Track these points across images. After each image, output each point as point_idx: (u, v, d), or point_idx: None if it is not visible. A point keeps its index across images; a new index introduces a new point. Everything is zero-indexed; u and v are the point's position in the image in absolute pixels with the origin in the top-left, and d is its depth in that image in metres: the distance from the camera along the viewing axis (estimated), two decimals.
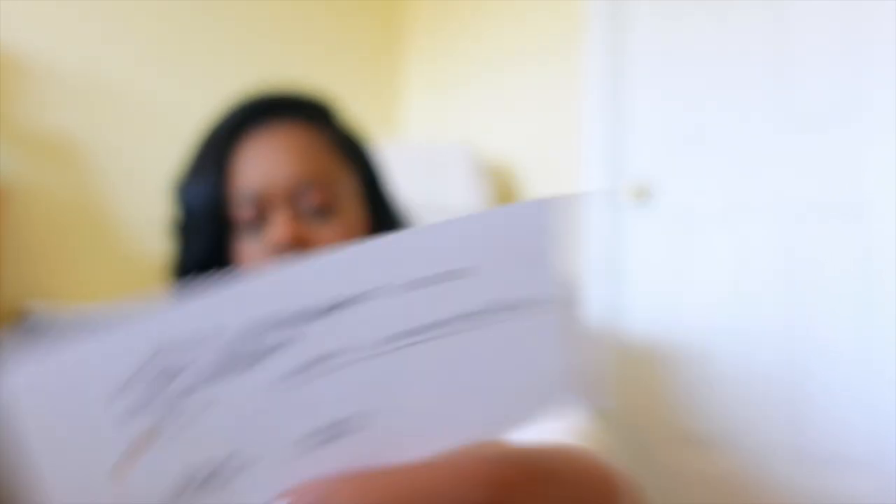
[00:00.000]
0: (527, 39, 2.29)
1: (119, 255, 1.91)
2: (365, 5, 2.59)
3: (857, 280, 1.59)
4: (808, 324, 1.66)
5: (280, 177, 0.61)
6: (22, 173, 1.76)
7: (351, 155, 0.68)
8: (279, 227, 0.60)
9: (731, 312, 1.80)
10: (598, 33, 2.08)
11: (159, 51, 2.02)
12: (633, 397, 1.97)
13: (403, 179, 0.95)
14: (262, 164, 0.62)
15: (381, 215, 0.70)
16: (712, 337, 1.83)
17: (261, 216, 0.62)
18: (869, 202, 1.59)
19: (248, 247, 0.62)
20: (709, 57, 1.89)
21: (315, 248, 0.61)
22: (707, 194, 1.87)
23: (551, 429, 0.42)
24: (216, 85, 2.15)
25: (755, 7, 1.81)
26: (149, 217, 1.96)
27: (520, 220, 0.24)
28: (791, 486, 1.65)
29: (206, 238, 0.62)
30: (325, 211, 0.63)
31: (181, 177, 0.67)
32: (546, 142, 2.21)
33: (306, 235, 0.61)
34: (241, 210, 0.61)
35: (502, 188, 2.28)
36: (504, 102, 2.34)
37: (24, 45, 1.77)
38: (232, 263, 0.62)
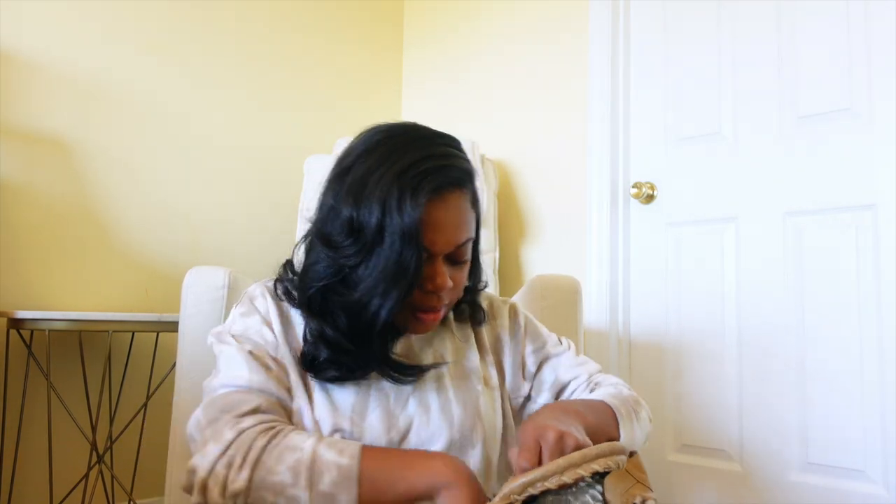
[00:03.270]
0: (529, 38, 2.28)
1: (114, 255, 1.90)
2: (365, 4, 2.59)
3: (864, 282, 1.59)
4: (814, 325, 1.66)
5: (451, 242, 0.81)
6: (18, 171, 1.75)
7: (476, 209, 0.86)
8: (441, 276, 0.80)
9: (735, 313, 1.79)
10: (600, 33, 2.07)
11: (158, 50, 2.01)
12: None
13: None
14: (444, 231, 0.80)
15: (474, 245, 0.89)
16: (716, 337, 1.82)
17: (425, 260, 0.80)
18: (875, 203, 1.59)
19: None
20: (711, 55, 1.89)
21: (452, 287, 0.82)
22: (710, 194, 1.86)
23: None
24: (214, 84, 2.14)
25: (757, 7, 1.80)
26: (144, 217, 1.96)
27: None
28: (798, 491, 1.65)
29: (403, 268, 0.76)
30: (463, 261, 0.84)
31: (365, 195, 0.78)
32: (548, 140, 2.21)
33: (451, 279, 0.82)
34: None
35: (504, 184, 2.27)
36: (505, 101, 2.34)
37: (21, 45, 1.77)
38: (409, 285, 0.78)
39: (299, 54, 2.37)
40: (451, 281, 0.82)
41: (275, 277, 0.90)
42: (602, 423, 0.83)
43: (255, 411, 0.76)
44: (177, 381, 1.17)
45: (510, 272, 2.26)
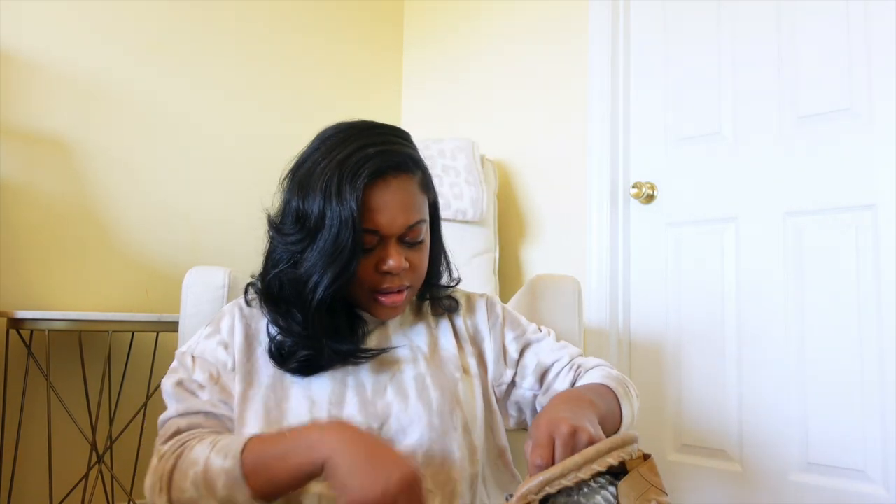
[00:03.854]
0: (529, 38, 2.28)
1: (114, 255, 1.90)
2: (365, 4, 2.58)
3: (864, 282, 1.59)
4: (814, 325, 1.66)
5: (399, 223, 0.85)
6: (18, 171, 1.75)
7: (427, 193, 0.91)
8: (395, 257, 0.85)
9: (735, 313, 1.79)
10: (600, 33, 2.07)
11: (158, 50, 2.01)
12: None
13: None
14: (389, 212, 0.84)
15: (434, 231, 0.95)
16: (716, 337, 1.82)
17: (377, 243, 0.85)
18: (875, 203, 1.59)
19: (363, 261, 0.84)
20: (711, 55, 1.89)
21: (411, 268, 0.87)
22: (710, 194, 1.86)
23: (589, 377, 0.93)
24: (214, 85, 2.14)
25: (757, 7, 1.80)
26: (144, 216, 1.96)
27: None
28: (798, 491, 1.65)
29: (338, 249, 0.82)
30: (417, 242, 0.88)
31: (310, 184, 0.84)
32: (548, 140, 2.21)
33: (408, 260, 0.86)
34: (367, 237, 0.84)
35: (504, 184, 2.27)
36: (505, 101, 2.34)
37: (21, 45, 1.77)
38: (345, 265, 0.82)
39: (299, 54, 2.37)
40: (406, 262, 0.86)
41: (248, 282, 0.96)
42: (610, 408, 0.85)
43: (175, 434, 0.82)
44: None
45: (510, 272, 2.26)
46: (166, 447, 0.80)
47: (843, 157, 1.63)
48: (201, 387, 0.86)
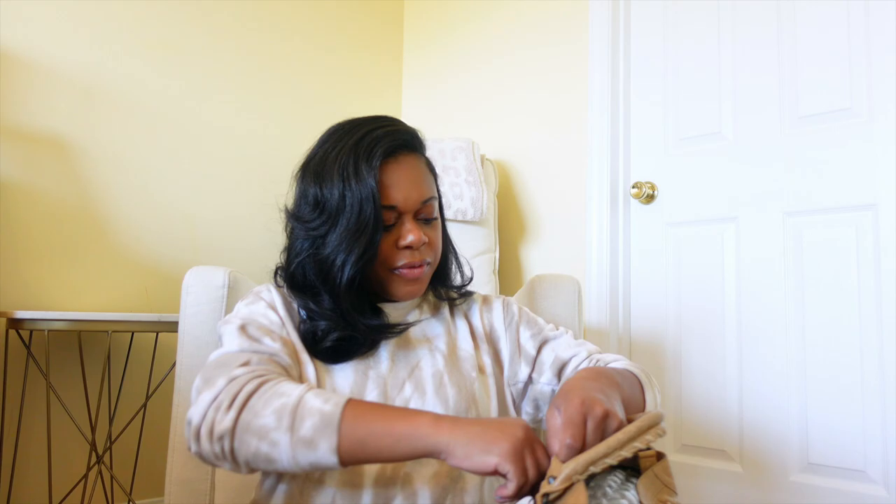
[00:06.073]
0: (528, 38, 2.28)
1: (114, 255, 1.90)
2: (364, 4, 2.59)
3: (864, 282, 1.59)
4: (814, 325, 1.66)
5: (414, 198, 0.90)
6: (18, 171, 1.75)
7: (433, 175, 0.97)
8: (413, 231, 0.89)
9: (735, 314, 1.79)
10: (600, 33, 2.07)
11: (158, 50, 2.01)
12: None
13: None
14: (403, 187, 0.89)
15: (442, 216, 0.99)
16: (716, 337, 1.82)
17: (395, 220, 0.89)
18: (875, 203, 1.59)
19: (384, 239, 0.89)
20: (711, 55, 1.89)
21: (429, 244, 0.91)
22: (710, 194, 1.86)
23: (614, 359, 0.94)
24: (215, 85, 2.14)
25: (757, 7, 1.80)
26: (144, 216, 1.96)
27: None
28: (798, 491, 1.65)
29: (362, 226, 0.86)
30: (431, 218, 0.93)
31: (325, 171, 0.89)
32: (548, 140, 2.21)
33: (425, 236, 0.90)
34: (386, 214, 0.88)
35: (504, 184, 2.27)
36: (505, 101, 2.34)
37: (21, 45, 1.76)
38: (369, 241, 0.86)
39: (299, 55, 2.37)
40: (425, 237, 0.90)
41: (275, 269, 0.97)
42: (633, 393, 0.85)
43: (246, 364, 0.79)
44: (177, 381, 1.17)
45: (510, 272, 2.26)
46: (239, 371, 0.77)
47: (843, 157, 1.63)
48: (264, 334, 0.85)
